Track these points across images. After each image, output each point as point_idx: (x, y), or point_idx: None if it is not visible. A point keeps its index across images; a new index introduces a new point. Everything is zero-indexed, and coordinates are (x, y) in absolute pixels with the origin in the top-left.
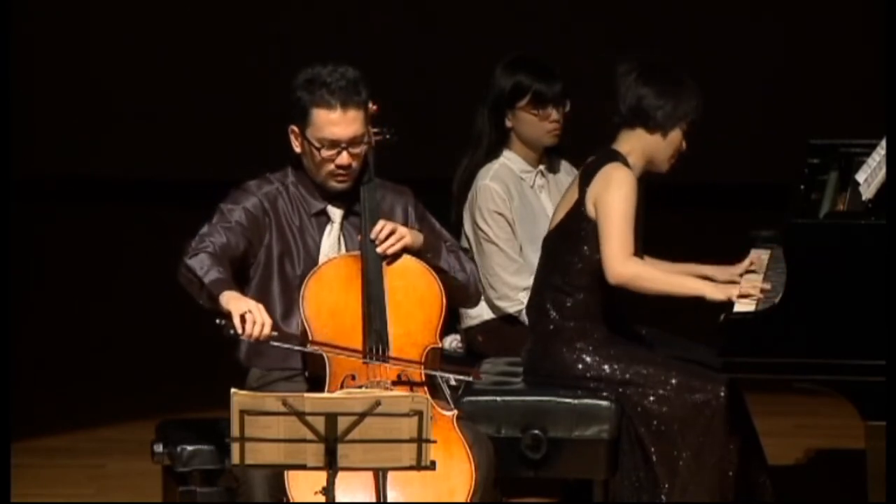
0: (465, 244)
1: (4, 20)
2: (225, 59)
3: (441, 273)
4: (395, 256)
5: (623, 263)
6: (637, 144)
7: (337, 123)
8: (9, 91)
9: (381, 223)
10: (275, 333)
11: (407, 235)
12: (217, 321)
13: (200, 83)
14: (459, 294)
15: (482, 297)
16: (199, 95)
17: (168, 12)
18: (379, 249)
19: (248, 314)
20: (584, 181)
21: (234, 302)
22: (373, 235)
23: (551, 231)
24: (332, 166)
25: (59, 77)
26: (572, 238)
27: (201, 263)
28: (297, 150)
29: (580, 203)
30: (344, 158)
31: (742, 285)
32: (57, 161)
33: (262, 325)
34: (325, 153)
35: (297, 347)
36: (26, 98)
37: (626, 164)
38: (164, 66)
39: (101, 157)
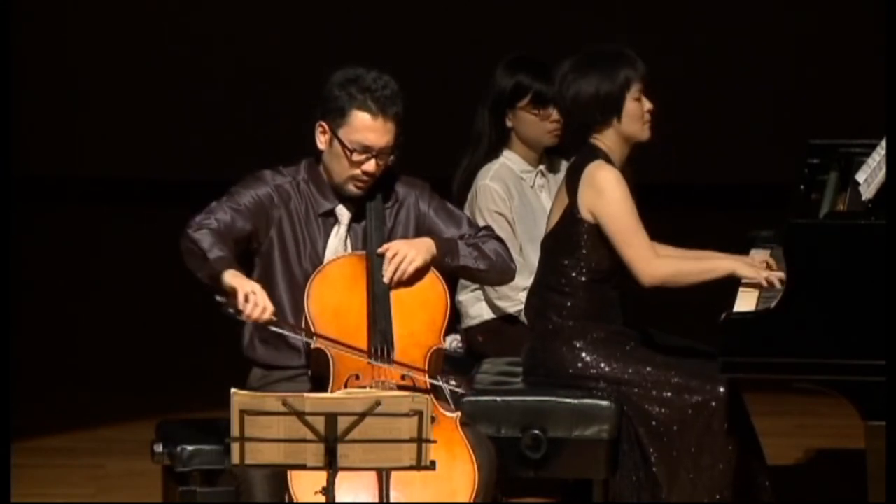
0: None
1: (4, 21)
2: (218, 58)
3: (465, 271)
4: (411, 275)
5: (653, 266)
6: (606, 137)
7: (374, 130)
8: (9, 91)
9: (388, 263)
10: (274, 318)
11: (416, 257)
12: (217, 298)
13: (191, 82)
14: (490, 278)
15: (516, 269)
16: (190, 95)
17: (161, 12)
18: (387, 278)
19: (250, 295)
20: (572, 183)
21: (237, 281)
22: (385, 278)
23: (547, 234)
24: (357, 171)
25: (42, 76)
26: (568, 241)
27: (205, 238)
28: (322, 146)
29: (573, 207)
30: (371, 166)
31: (770, 272)
32: (45, 161)
33: (263, 309)
34: (356, 157)
35: (295, 335)
36: (11, 97)
37: (606, 157)
38: (154, 65)
39: (90, 157)
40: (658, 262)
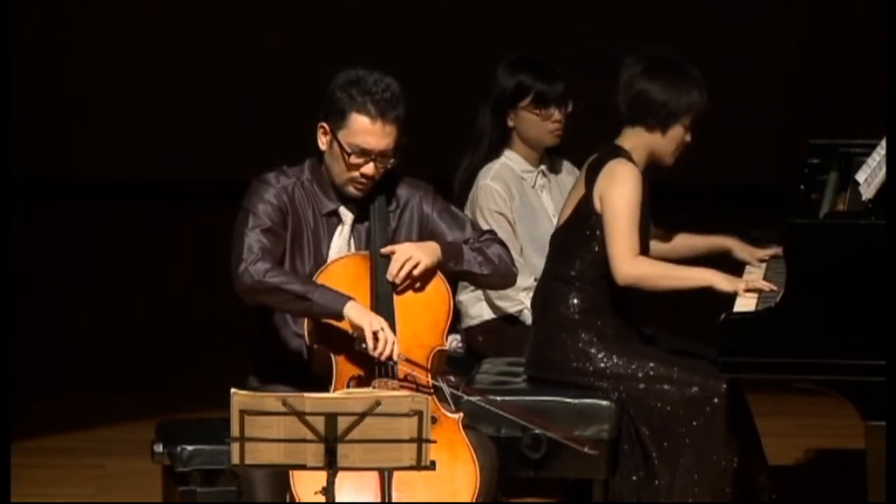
0: None
1: (4, 21)
2: (218, 58)
3: (468, 275)
4: (416, 277)
5: (630, 264)
6: (639, 141)
7: (373, 134)
8: (9, 91)
9: (395, 264)
10: (400, 353)
11: (423, 259)
12: (351, 332)
13: (191, 82)
14: (492, 283)
15: (518, 273)
16: (190, 95)
17: (161, 12)
18: (391, 277)
19: (380, 333)
20: (591, 176)
21: (364, 317)
22: (390, 277)
23: (560, 227)
24: (356, 173)
25: (42, 76)
26: (581, 233)
27: (288, 278)
28: (323, 147)
29: (588, 198)
30: (370, 169)
31: (749, 279)
32: (45, 161)
33: (393, 344)
34: (354, 160)
35: (418, 368)
36: (17, 97)
37: (630, 159)
38: (154, 65)
39: (90, 157)
40: (635, 262)
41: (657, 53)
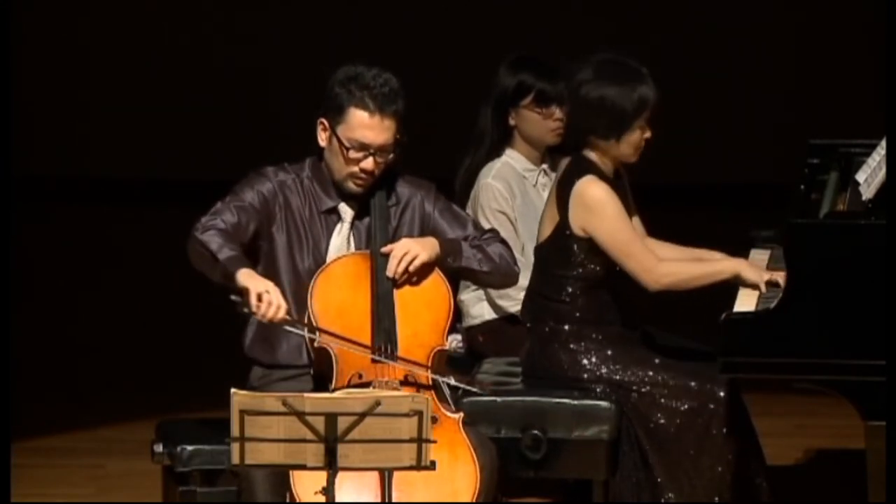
0: None
1: (4, 20)
2: (219, 58)
3: (468, 272)
4: (415, 272)
5: (658, 272)
6: (598, 149)
7: (371, 128)
8: (9, 90)
9: (393, 259)
10: (288, 317)
11: (420, 253)
12: (232, 297)
13: (192, 82)
14: (493, 281)
15: (519, 272)
16: (192, 94)
17: (162, 11)
18: (390, 272)
19: (264, 294)
20: (562, 198)
21: (251, 280)
22: (389, 273)
23: (541, 244)
24: (355, 168)
25: (43, 76)
26: (562, 254)
27: (214, 239)
28: (323, 143)
29: (564, 223)
30: (369, 164)
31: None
32: (45, 161)
33: (278, 307)
34: (353, 155)
35: (306, 333)
36: (17, 97)
37: (598, 171)
38: (155, 65)
39: (91, 157)
40: (662, 269)
41: (597, 60)
